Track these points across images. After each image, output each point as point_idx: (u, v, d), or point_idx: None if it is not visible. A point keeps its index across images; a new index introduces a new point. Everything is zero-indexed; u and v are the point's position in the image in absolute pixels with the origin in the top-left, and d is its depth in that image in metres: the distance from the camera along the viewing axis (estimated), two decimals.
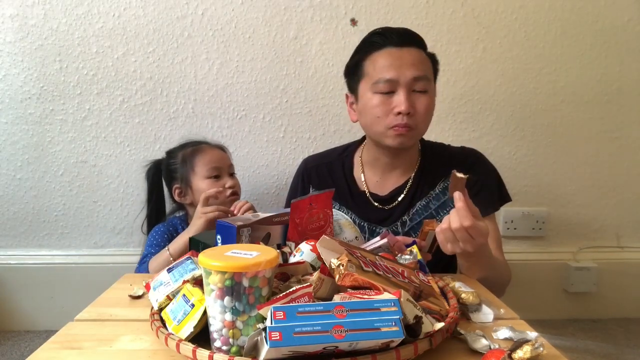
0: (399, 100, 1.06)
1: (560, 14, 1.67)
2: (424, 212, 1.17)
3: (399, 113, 1.06)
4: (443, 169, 1.16)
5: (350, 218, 1.21)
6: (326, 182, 1.27)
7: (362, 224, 1.20)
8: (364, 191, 1.22)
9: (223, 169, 1.34)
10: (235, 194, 1.34)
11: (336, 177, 1.27)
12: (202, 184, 1.33)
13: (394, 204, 1.19)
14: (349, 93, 1.21)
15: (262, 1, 1.60)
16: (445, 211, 1.16)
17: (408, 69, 1.07)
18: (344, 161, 1.29)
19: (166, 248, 1.21)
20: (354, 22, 1.63)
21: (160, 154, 1.67)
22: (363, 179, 1.23)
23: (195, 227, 1.17)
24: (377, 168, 1.22)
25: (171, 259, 1.19)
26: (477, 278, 0.98)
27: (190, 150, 1.39)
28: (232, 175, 1.38)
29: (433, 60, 1.16)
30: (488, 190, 1.17)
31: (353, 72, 1.17)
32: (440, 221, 1.11)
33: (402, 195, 1.18)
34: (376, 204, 1.20)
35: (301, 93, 1.67)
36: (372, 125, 1.12)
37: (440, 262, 1.01)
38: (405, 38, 1.11)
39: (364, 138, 1.28)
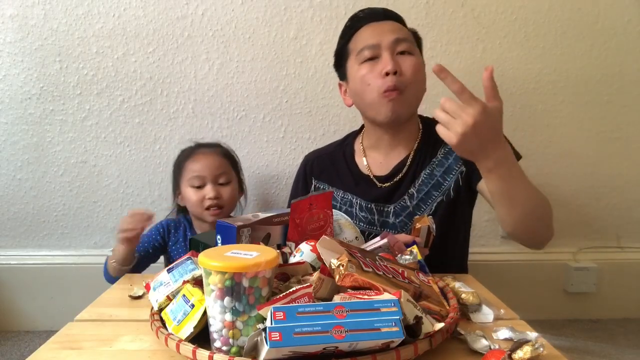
0: (384, 61, 1.08)
1: (560, 14, 1.67)
2: (430, 180, 1.16)
3: (387, 74, 1.07)
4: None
5: (357, 203, 1.21)
6: (328, 170, 1.28)
7: (370, 206, 1.19)
8: (368, 175, 1.22)
9: (206, 178, 1.30)
10: (217, 206, 1.30)
11: (338, 165, 1.27)
12: (186, 191, 1.33)
13: (397, 178, 1.18)
14: (340, 82, 1.24)
15: (262, 1, 1.60)
16: (451, 175, 1.15)
17: (388, 34, 1.10)
18: (344, 149, 1.29)
19: (111, 249, 1.21)
20: None
21: (160, 154, 1.69)
22: (366, 163, 1.23)
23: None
24: (380, 149, 1.22)
25: (113, 261, 1.17)
26: (501, 193, 0.89)
27: (184, 155, 1.38)
28: (220, 184, 1.32)
29: (415, 35, 1.18)
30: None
31: (340, 57, 1.21)
32: (431, 216, 1.11)
33: (405, 168, 1.18)
34: (380, 184, 1.20)
35: (301, 93, 1.67)
36: (364, 96, 1.12)
37: (438, 255, 1.00)
38: (383, 14, 1.15)
39: (362, 126, 1.29)
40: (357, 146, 1.27)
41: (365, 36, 1.12)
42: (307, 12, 1.62)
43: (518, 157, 1.18)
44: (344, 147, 1.30)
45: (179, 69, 1.63)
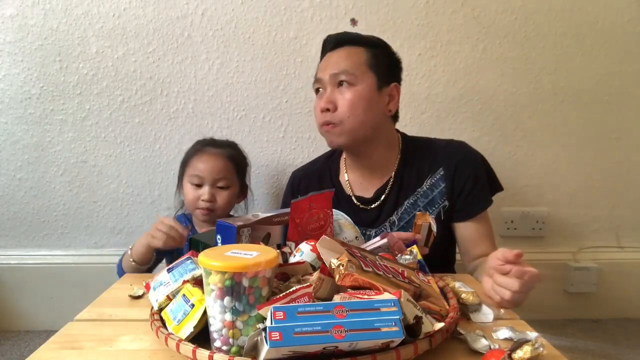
0: (322, 96, 1.14)
1: (560, 14, 1.67)
2: (412, 210, 1.17)
3: (322, 110, 1.12)
4: (429, 164, 1.17)
5: None
6: (314, 189, 1.26)
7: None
8: (350, 195, 1.22)
9: (205, 179, 1.30)
10: (210, 209, 1.29)
11: (324, 183, 1.27)
12: (185, 188, 1.34)
13: (377, 204, 1.19)
14: None
15: (262, 1, 1.60)
16: (434, 208, 1.15)
17: (330, 68, 1.13)
18: (330, 166, 1.30)
19: (129, 247, 1.18)
20: (354, 22, 1.63)
21: (160, 154, 1.68)
22: (348, 182, 1.24)
23: (146, 242, 1.11)
24: (357, 170, 1.23)
25: (132, 260, 1.15)
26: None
27: (192, 151, 1.38)
28: (219, 188, 1.31)
29: (378, 53, 1.14)
30: (481, 184, 1.17)
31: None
32: (433, 215, 1.14)
33: (384, 195, 1.18)
34: (362, 206, 1.21)
35: (301, 93, 1.67)
36: (317, 125, 1.19)
37: (436, 255, 1.01)
38: (336, 41, 1.17)
39: None
40: (342, 163, 1.29)
41: (318, 69, 1.17)
42: (307, 12, 1.62)
43: (499, 189, 1.23)
44: (329, 163, 1.31)
45: (179, 69, 1.63)
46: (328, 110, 1.11)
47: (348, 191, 1.23)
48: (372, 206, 1.19)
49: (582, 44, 1.69)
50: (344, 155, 1.29)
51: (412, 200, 1.17)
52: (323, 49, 1.20)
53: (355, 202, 1.21)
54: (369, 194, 1.20)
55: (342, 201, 1.22)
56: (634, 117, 1.75)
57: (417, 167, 1.18)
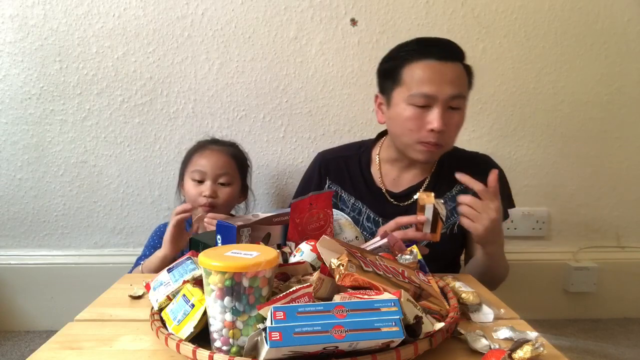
0: (434, 117, 1.06)
1: (560, 14, 1.67)
2: None
3: (432, 130, 1.06)
4: (459, 172, 1.18)
5: (366, 213, 1.22)
6: (342, 175, 1.28)
7: (378, 219, 1.21)
8: (380, 187, 1.23)
9: (207, 174, 1.30)
10: (211, 205, 1.29)
11: (353, 172, 1.27)
12: (186, 185, 1.33)
13: (410, 201, 1.20)
14: (379, 94, 1.19)
15: (262, 1, 1.60)
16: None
17: (447, 85, 1.05)
18: (360, 157, 1.29)
19: (141, 263, 1.20)
20: (354, 22, 1.63)
21: (160, 154, 1.68)
22: (380, 176, 1.24)
23: (162, 254, 1.16)
24: (395, 167, 1.23)
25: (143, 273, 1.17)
26: (487, 265, 1.07)
27: (193, 149, 1.39)
28: (221, 184, 1.31)
29: (469, 72, 1.14)
30: (503, 199, 1.18)
31: (388, 76, 1.14)
32: (441, 200, 1.16)
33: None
34: (392, 200, 1.22)
35: (301, 93, 1.67)
36: (401, 135, 1.12)
37: (444, 263, 1.02)
38: (447, 52, 1.09)
39: (379, 136, 1.29)
40: (374, 156, 1.27)
41: (424, 77, 1.06)
42: (307, 12, 1.62)
43: (513, 205, 1.27)
44: (360, 154, 1.29)
45: (179, 69, 1.63)
46: (440, 131, 1.06)
47: (379, 183, 1.24)
48: (404, 202, 1.21)
49: (582, 44, 1.69)
50: (376, 150, 1.27)
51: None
52: (420, 50, 1.09)
53: (386, 195, 1.22)
54: (399, 189, 1.22)
55: (372, 193, 1.23)
56: (634, 117, 1.75)
57: (450, 173, 1.18)
